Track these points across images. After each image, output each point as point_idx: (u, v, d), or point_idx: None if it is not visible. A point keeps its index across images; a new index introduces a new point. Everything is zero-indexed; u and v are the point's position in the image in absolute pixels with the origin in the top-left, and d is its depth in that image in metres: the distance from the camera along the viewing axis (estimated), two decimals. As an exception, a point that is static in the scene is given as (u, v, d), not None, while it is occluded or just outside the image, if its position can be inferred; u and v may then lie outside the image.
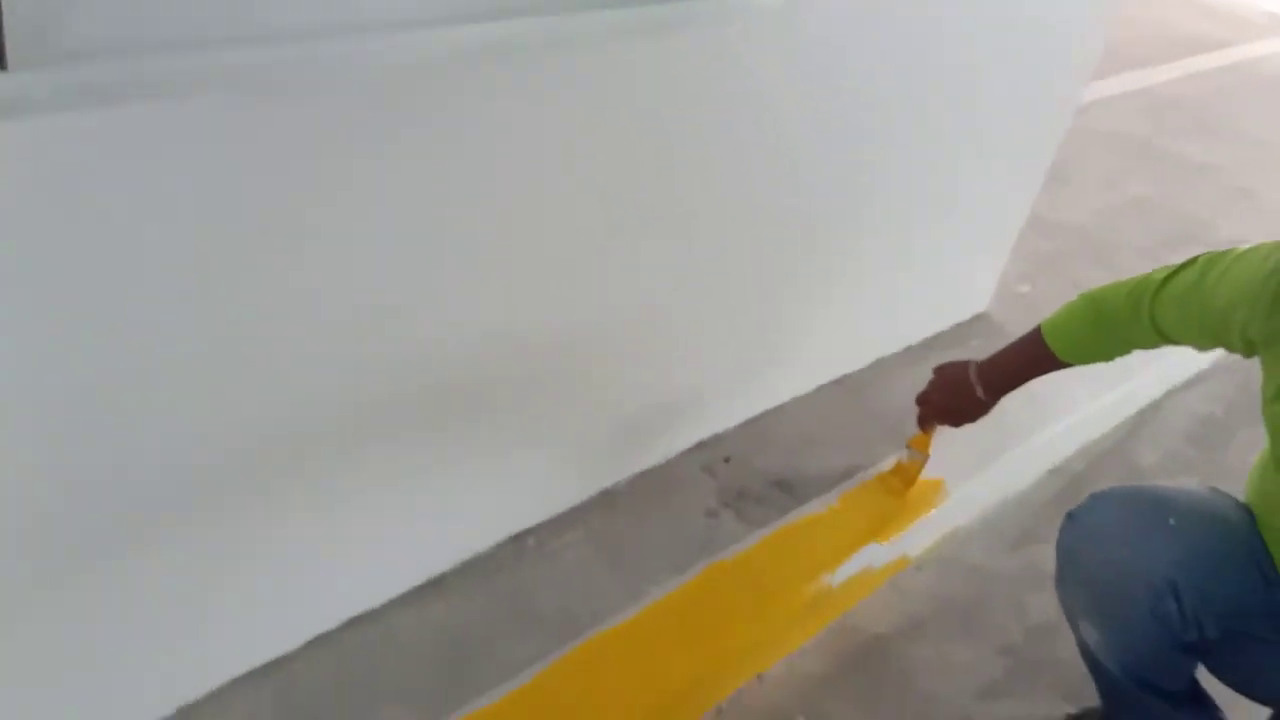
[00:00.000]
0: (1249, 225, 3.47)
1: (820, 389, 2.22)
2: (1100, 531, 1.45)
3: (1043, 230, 3.12)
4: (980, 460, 2.12)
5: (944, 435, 2.02)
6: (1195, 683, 1.57)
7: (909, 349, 2.41)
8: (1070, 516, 1.50)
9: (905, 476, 1.93)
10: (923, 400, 1.82)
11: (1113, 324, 1.50)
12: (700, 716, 1.64)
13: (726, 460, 1.97)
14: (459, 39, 1.05)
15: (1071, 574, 1.50)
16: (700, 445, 1.99)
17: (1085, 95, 4.31)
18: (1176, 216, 3.46)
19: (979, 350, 2.43)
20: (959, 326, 2.53)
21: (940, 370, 1.79)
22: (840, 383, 2.26)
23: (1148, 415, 2.63)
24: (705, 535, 1.80)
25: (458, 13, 1.02)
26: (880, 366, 2.34)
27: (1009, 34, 2.01)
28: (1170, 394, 2.65)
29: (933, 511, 1.99)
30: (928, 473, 1.98)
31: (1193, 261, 1.41)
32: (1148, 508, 1.43)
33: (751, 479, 1.94)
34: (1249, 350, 1.34)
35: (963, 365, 1.72)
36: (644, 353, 1.73)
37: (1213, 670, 1.55)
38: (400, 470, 1.45)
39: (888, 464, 2.01)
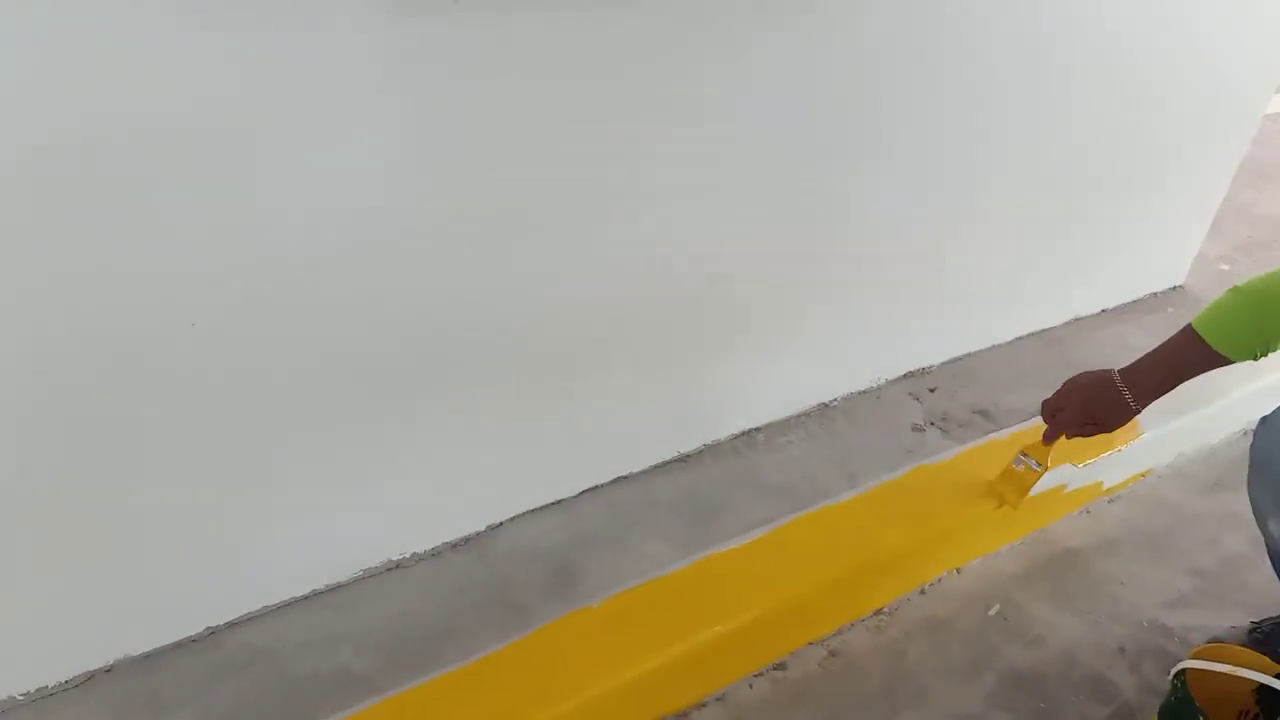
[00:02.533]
0: None
1: (1018, 340, 2.42)
2: None
3: (1248, 220, 3.20)
4: (1178, 408, 2.26)
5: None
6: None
7: (1104, 311, 2.58)
8: (1264, 421, 1.64)
9: (1019, 486, 1.79)
10: (1054, 409, 1.68)
11: (1274, 304, 1.47)
12: (905, 592, 1.87)
13: (932, 390, 2.20)
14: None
15: (1263, 470, 1.62)
16: (908, 375, 2.22)
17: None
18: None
19: (1174, 318, 2.59)
20: (1155, 296, 2.67)
21: (1075, 381, 1.67)
22: (1038, 335, 2.45)
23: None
24: (912, 444, 2.03)
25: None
26: (1076, 325, 2.52)
27: (1196, 41, 2.19)
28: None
29: (1127, 446, 2.15)
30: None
31: None
32: None
33: (954, 405, 2.17)
34: None
35: (1104, 374, 1.62)
36: (861, 285, 2.00)
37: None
38: (656, 365, 1.77)
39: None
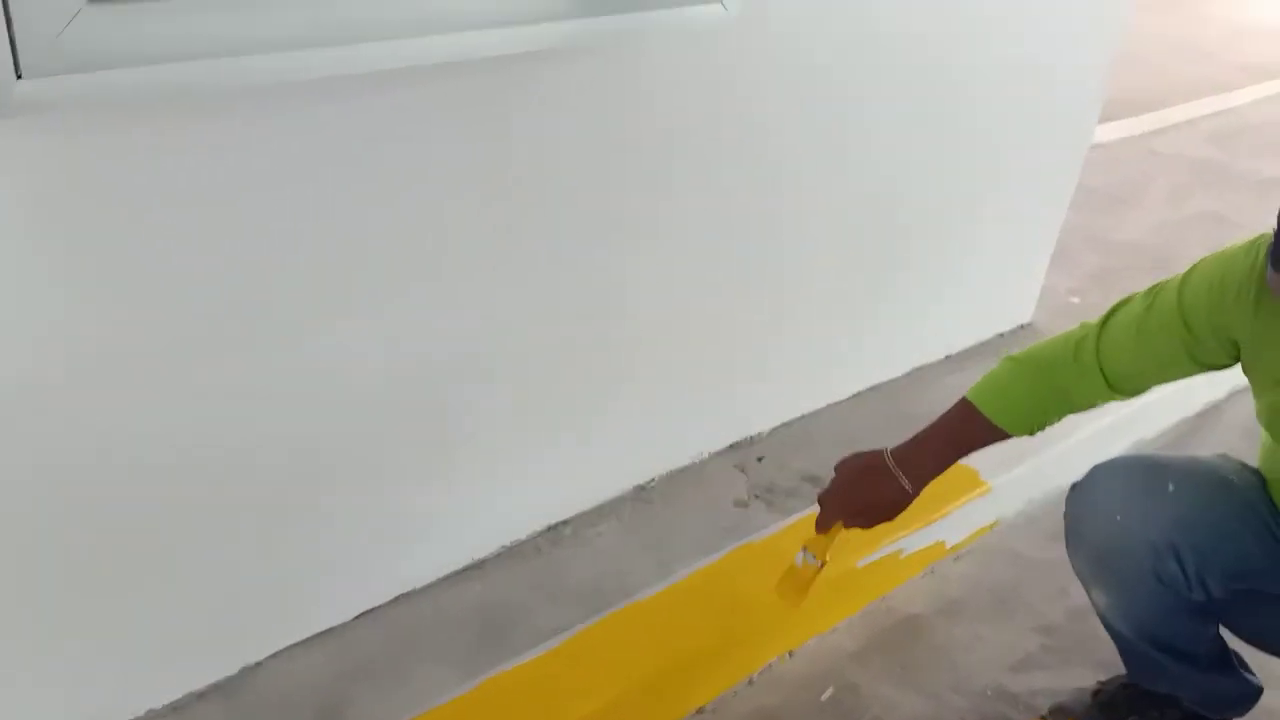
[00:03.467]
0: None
1: (857, 395, 2.32)
2: (1102, 498, 1.49)
3: (1100, 247, 3.16)
4: (1021, 454, 2.17)
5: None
6: (1219, 644, 1.59)
7: (949, 358, 2.49)
8: (1074, 486, 1.55)
9: (798, 584, 1.55)
10: (828, 498, 1.52)
11: (1051, 373, 1.42)
12: (730, 685, 1.73)
13: (760, 459, 2.09)
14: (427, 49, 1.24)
15: (1076, 540, 1.54)
16: (734, 446, 2.11)
17: (1153, 122, 4.34)
18: (1244, 229, 3.43)
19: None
20: (1002, 337, 2.60)
21: (845, 463, 1.53)
22: (877, 390, 2.35)
23: (1208, 417, 2.62)
24: (735, 522, 1.91)
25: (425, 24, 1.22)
26: (919, 375, 2.43)
27: (1018, 70, 2.15)
28: (1234, 395, 2.64)
29: (969, 502, 2.05)
30: (968, 461, 2.05)
31: (1130, 296, 1.41)
32: (1147, 474, 1.47)
33: (783, 474, 2.05)
34: (1226, 355, 1.34)
35: (875, 454, 1.50)
36: (676, 356, 1.89)
37: (1233, 629, 1.57)
38: (439, 466, 1.63)
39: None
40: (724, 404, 2.05)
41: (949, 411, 1.50)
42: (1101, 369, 1.39)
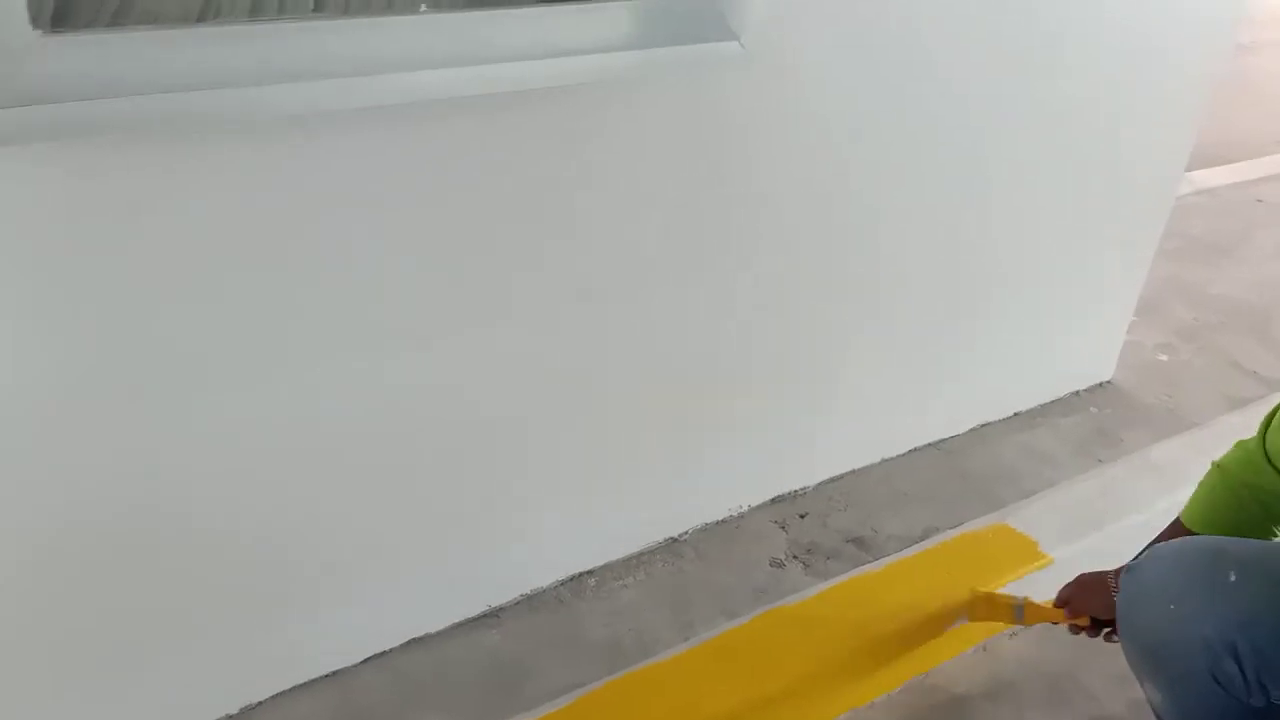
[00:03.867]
0: None
1: (913, 451, 2.20)
2: (1157, 587, 1.37)
3: (1193, 300, 2.97)
4: (1086, 523, 2.02)
5: (1048, 498, 2.01)
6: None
7: (1017, 415, 2.35)
8: (1129, 570, 1.43)
9: (992, 610, 1.75)
10: (1062, 602, 1.64)
11: (1239, 480, 1.43)
12: (751, 760, 1.63)
13: (803, 516, 1.99)
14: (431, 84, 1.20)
15: (1129, 629, 1.42)
16: (776, 500, 2.01)
17: (1264, 168, 4.10)
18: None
19: (1097, 419, 2.36)
20: (1078, 395, 2.44)
21: (1080, 578, 1.62)
22: (936, 447, 2.23)
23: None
24: (768, 584, 1.82)
25: (423, 60, 1.18)
26: (981, 433, 2.29)
27: (1097, 113, 2.02)
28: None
29: (1029, 574, 1.92)
30: (1028, 531, 1.95)
31: None
32: (1208, 559, 1.34)
33: (825, 534, 1.95)
34: None
35: (1101, 574, 1.56)
36: (720, 403, 1.81)
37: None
38: (458, 511, 1.58)
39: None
40: (768, 455, 1.96)
41: (1163, 532, 1.51)
42: (1275, 464, 1.38)
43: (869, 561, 1.88)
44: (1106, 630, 1.54)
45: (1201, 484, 1.49)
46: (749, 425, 1.88)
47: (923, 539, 1.95)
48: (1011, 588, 1.90)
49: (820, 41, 1.56)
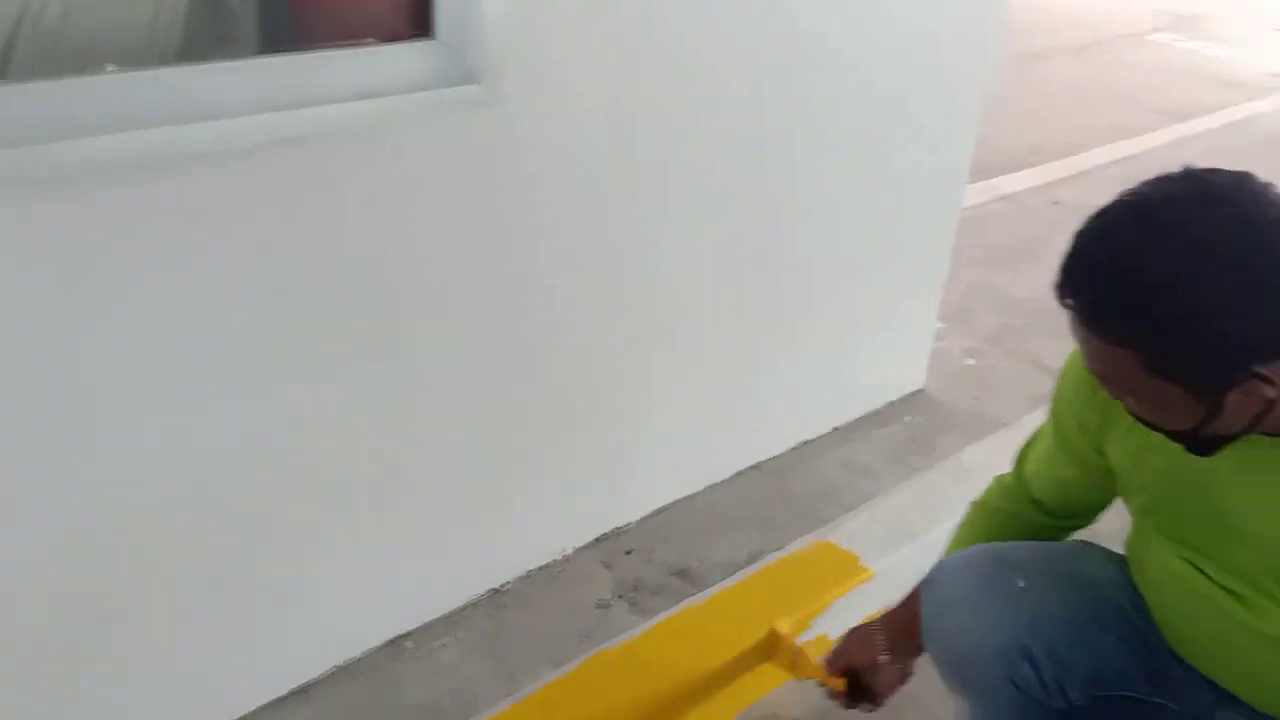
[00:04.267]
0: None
1: (737, 475, 2.22)
2: (950, 596, 1.38)
3: (999, 305, 3.10)
4: (905, 534, 2.08)
5: (868, 510, 2.05)
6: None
7: (836, 430, 2.40)
8: (924, 584, 1.44)
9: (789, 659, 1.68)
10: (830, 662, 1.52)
11: (1003, 512, 1.44)
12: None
13: (628, 553, 1.97)
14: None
15: (933, 647, 1.42)
16: (600, 540, 1.99)
17: (1060, 170, 4.33)
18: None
19: (911, 428, 2.43)
20: (892, 405, 2.51)
21: (849, 632, 1.52)
22: (759, 468, 2.25)
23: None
24: (592, 626, 1.79)
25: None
26: (806, 450, 2.33)
27: (872, 122, 2.08)
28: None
29: (851, 591, 1.95)
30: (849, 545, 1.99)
31: None
32: (995, 568, 1.36)
33: (651, 569, 1.94)
34: (1098, 447, 1.28)
35: (867, 626, 1.50)
36: (530, 441, 1.78)
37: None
38: (255, 580, 1.50)
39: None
40: (587, 494, 1.94)
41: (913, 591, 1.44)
42: (1031, 497, 1.40)
43: (694, 594, 1.88)
44: (858, 699, 1.49)
45: (961, 524, 1.49)
46: (563, 465, 1.85)
47: (748, 564, 1.97)
48: (837, 605, 1.93)
49: (578, 74, 1.56)
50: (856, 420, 2.44)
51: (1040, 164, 4.43)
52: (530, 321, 1.68)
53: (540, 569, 1.90)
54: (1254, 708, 1.24)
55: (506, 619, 1.79)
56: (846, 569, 1.97)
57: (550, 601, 1.84)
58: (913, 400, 2.54)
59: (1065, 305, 1.08)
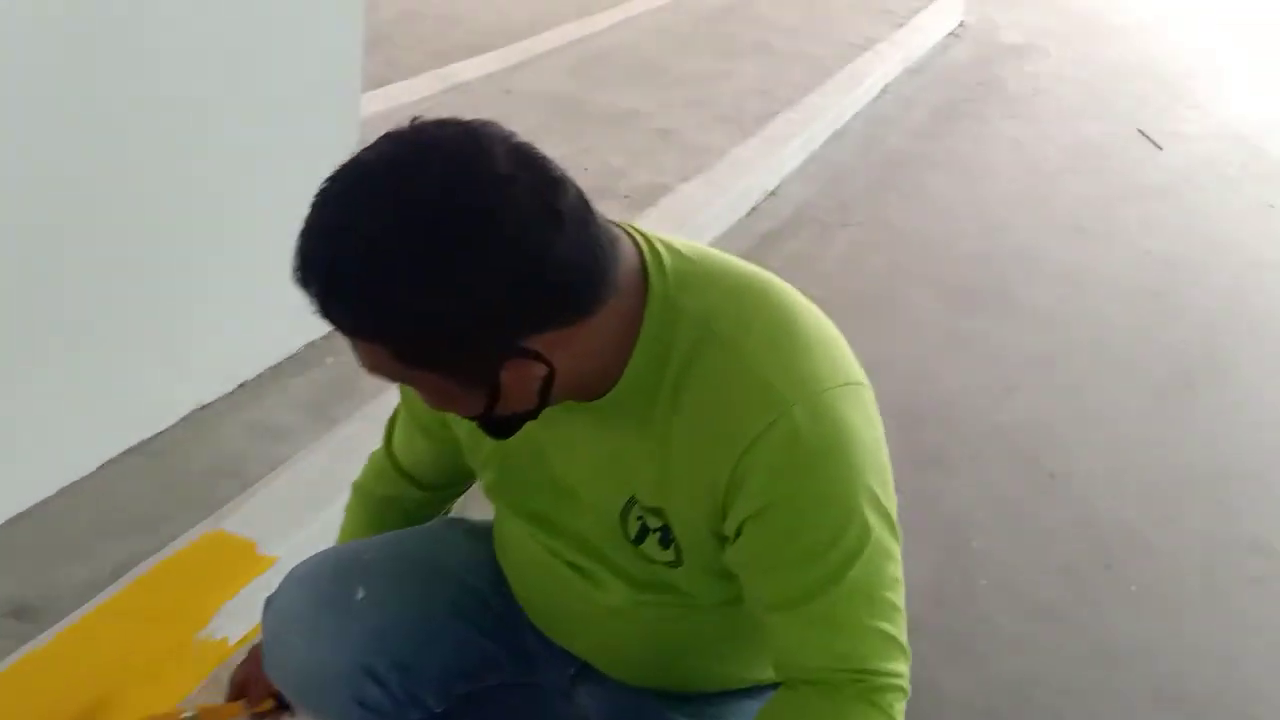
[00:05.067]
0: (666, 170, 3.48)
1: (111, 464, 1.83)
2: (293, 621, 1.20)
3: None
4: (302, 511, 1.81)
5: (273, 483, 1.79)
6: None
7: (243, 386, 2.07)
8: (266, 602, 1.23)
9: None
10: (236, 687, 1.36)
11: (378, 496, 1.33)
12: None
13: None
14: None
15: (276, 675, 1.24)
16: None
17: (514, 56, 4.21)
18: (598, 171, 3.39)
19: (334, 369, 2.18)
20: (312, 346, 2.22)
21: (252, 650, 1.34)
22: (140, 450, 1.88)
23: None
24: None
25: None
26: (200, 417, 1.98)
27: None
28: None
29: (246, 588, 1.67)
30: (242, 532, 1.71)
31: None
32: (335, 580, 1.20)
33: None
34: (442, 420, 1.16)
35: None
36: None
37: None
38: None
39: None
40: None
41: None
42: (404, 472, 1.27)
43: (34, 636, 1.51)
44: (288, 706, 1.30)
45: (348, 508, 1.36)
46: None
47: (113, 580, 1.62)
48: (233, 604, 1.65)
49: None
50: (270, 370, 2.13)
51: (502, 46, 4.28)
52: None
53: None
54: (610, 677, 1.18)
55: None
56: (241, 561, 1.69)
57: None
58: (335, 336, 2.27)
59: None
